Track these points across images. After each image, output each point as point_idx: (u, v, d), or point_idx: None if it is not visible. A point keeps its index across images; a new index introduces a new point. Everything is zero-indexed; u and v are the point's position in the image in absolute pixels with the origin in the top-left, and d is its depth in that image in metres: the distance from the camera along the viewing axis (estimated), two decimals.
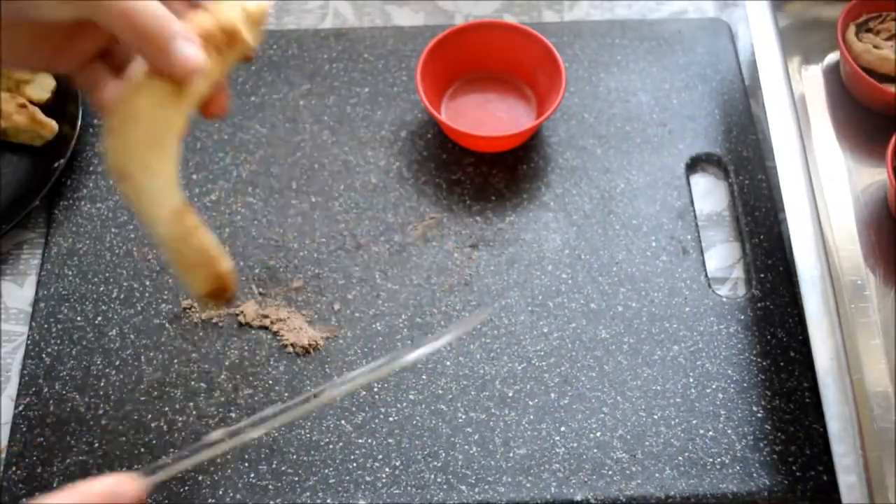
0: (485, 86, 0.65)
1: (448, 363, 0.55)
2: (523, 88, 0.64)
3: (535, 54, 0.63)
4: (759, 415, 0.53)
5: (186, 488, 0.51)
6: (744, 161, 0.63)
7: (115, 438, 0.52)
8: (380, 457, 0.52)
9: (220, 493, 0.50)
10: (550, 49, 0.62)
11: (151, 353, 0.55)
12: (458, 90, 0.65)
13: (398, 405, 0.53)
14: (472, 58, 0.64)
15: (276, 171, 0.62)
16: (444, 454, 0.52)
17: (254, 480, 0.51)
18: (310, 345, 0.55)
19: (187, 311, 0.57)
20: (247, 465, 0.51)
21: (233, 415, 0.53)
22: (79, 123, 0.61)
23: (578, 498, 0.50)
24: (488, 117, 0.63)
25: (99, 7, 0.37)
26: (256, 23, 0.42)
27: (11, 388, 0.55)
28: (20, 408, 0.53)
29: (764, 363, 0.55)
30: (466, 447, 0.52)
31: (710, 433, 0.52)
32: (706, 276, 0.58)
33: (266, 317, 0.56)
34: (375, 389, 0.54)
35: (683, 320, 0.56)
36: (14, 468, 0.51)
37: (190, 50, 0.38)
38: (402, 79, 0.66)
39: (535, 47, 0.62)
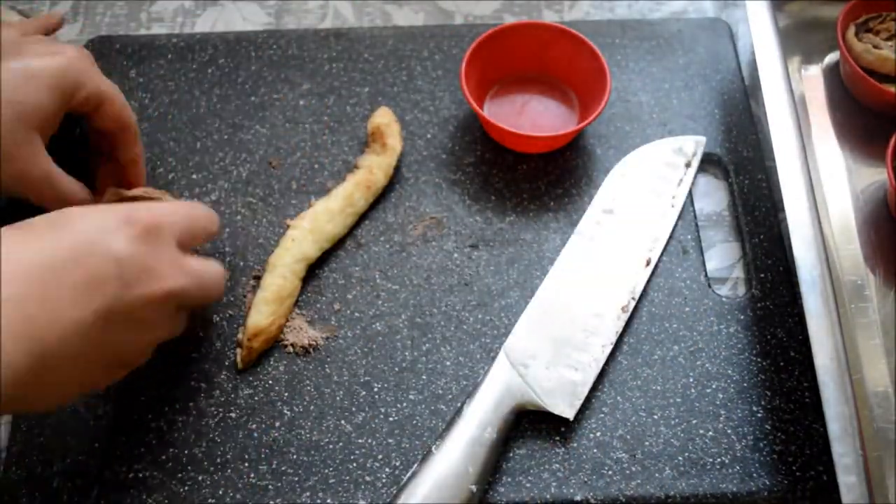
0: (524, 87, 0.65)
1: (448, 363, 0.55)
2: (564, 90, 0.64)
3: (578, 57, 0.63)
4: (759, 415, 0.53)
5: (186, 488, 0.51)
6: (744, 161, 0.63)
7: (115, 438, 0.52)
8: (380, 457, 0.52)
9: (220, 493, 0.50)
10: (596, 52, 0.62)
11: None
12: (500, 90, 0.65)
13: (398, 405, 0.53)
14: (516, 58, 0.64)
15: (276, 171, 0.62)
16: None
17: (254, 480, 0.51)
18: (310, 345, 0.55)
19: None
20: (247, 465, 0.51)
21: (233, 415, 0.53)
22: None
23: (578, 498, 0.50)
24: (527, 118, 0.63)
25: (36, 195, 0.52)
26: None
27: None
28: None
29: (764, 363, 0.55)
30: None
31: (710, 433, 0.52)
32: (706, 275, 0.58)
33: None
34: (375, 389, 0.54)
35: (683, 320, 0.56)
36: (14, 468, 0.51)
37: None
38: (402, 79, 0.66)
39: (579, 49, 0.62)
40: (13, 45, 0.50)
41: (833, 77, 0.65)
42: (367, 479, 0.51)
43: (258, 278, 0.57)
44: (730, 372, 0.54)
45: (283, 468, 0.51)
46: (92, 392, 0.53)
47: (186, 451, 0.52)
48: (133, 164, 0.56)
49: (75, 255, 0.41)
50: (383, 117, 0.61)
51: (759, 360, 0.55)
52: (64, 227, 0.43)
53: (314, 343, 0.55)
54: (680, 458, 0.52)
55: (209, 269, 0.49)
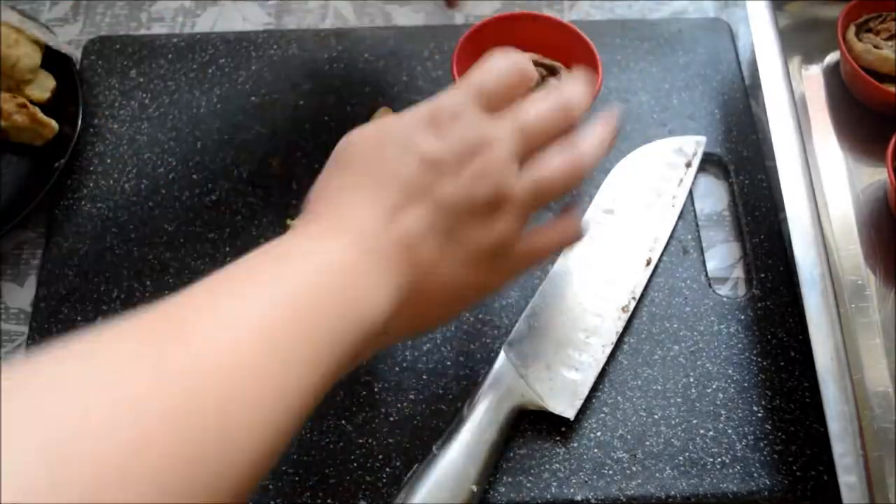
0: None
1: (448, 363, 0.55)
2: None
3: (570, 47, 0.62)
4: (760, 415, 0.53)
5: None
6: (744, 161, 0.63)
7: None
8: (380, 457, 0.52)
9: None
10: (588, 43, 0.62)
11: None
12: None
13: (399, 405, 0.53)
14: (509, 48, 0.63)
15: (276, 172, 0.62)
16: None
17: None
18: None
19: None
20: None
21: None
22: (79, 123, 0.61)
23: (578, 498, 0.50)
24: None
25: None
26: None
27: None
28: None
29: (764, 363, 0.55)
30: None
31: (711, 433, 0.52)
32: (706, 275, 0.58)
33: None
34: (376, 389, 0.54)
35: (684, 320, 0.56)
36: None
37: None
38: (402, 79, 0.66)
39: (571, 40, 0.62)
40: None
41: (833, 77, 0.65)
42: (368, 479, 0.51)
43: None
44: (730, 372, 0.54)
45: (283, 468, 0.51)
46: None
47: None
48: None
49: (394, 173, 0.40)
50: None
51: (759, 360, 0.55)
52: (374, 158, 0.41)
53: None
54: (680, 457, 0.52)
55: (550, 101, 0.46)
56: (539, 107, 0.44)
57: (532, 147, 0.43)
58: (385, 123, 0.43)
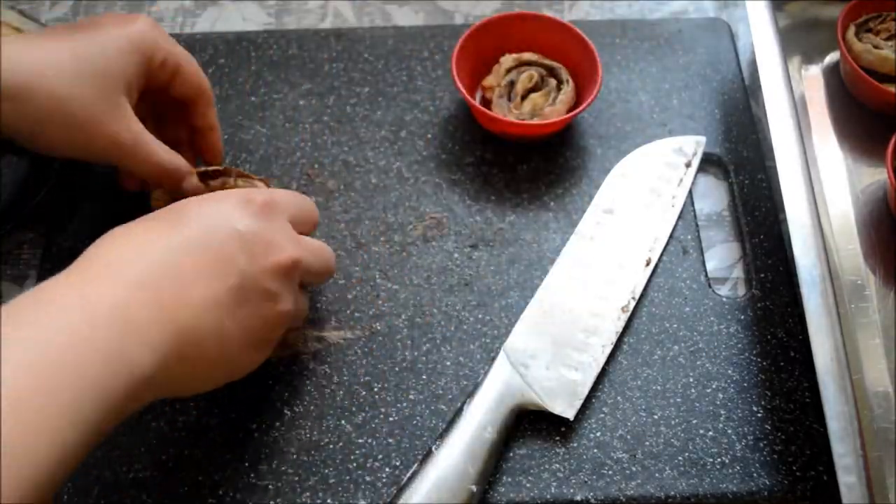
0: None
1: (448, 363, 0.55)
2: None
3: (570, 47, 0.63)
4: (759, 415, 0.53)
5: (186, 489, 0.51)
6: (744, 161, 0.63)
7: (114, 438, 0.52)
8: (380, 457, 0.52)
9: (220, 493, 0.50)
10: (588, 44, 0.62)
11: None
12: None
13: (398, 405, 0.53)
14: (509, 48, 0.64)
15: (276, 172, 0.62)
16: None
17: (254, 480, 0.51)
18: (310, 344, 0.55)
19: None
20: (247, 465, 0.51)
21: (233, 415, 0.53)
22: None
23: (578, 498, 0.50)
24: None
25: (132, 163, 0.53)
26: None
27: None
28: None
29: (764, 363, 0.55)
30: None
31: (710, 433, 0.52)
32: (706, 275, 0.58)
33: None
34: (376, 389, 0.54)
35: (683, 320, 0.56)
36: None
37: (192, 181, 0.55)
38: (402, 79, 0.66)
39: (571, 40, 0.63)
40: (88, 20, 0.53)
41: (833, 77, 0.65)
42: (367, 479, 0.51)
43: None
44: (730, 372, 0.54)
45: (283, 468, 0.51)
46: None
47: (186, 451, 0.52)
48: (211, 129, 0.58)
49: (202, 239, 0.43)
50: None
51: (759, 360, 0.55)
52: (186, 216, 0.44)
53: (314, 343, 0.55)
54: (680, 458, 0.52)
55: (322, 245, 0.51)
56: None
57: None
58: (198, 201, 0.46)
